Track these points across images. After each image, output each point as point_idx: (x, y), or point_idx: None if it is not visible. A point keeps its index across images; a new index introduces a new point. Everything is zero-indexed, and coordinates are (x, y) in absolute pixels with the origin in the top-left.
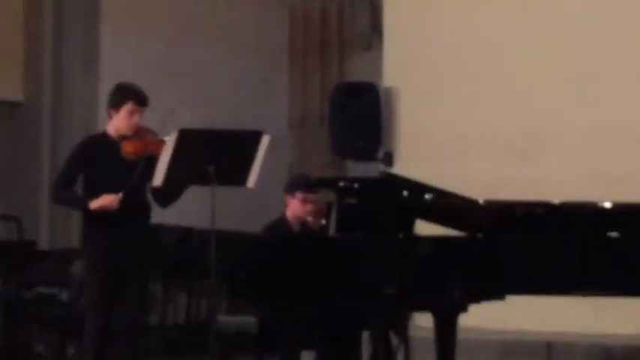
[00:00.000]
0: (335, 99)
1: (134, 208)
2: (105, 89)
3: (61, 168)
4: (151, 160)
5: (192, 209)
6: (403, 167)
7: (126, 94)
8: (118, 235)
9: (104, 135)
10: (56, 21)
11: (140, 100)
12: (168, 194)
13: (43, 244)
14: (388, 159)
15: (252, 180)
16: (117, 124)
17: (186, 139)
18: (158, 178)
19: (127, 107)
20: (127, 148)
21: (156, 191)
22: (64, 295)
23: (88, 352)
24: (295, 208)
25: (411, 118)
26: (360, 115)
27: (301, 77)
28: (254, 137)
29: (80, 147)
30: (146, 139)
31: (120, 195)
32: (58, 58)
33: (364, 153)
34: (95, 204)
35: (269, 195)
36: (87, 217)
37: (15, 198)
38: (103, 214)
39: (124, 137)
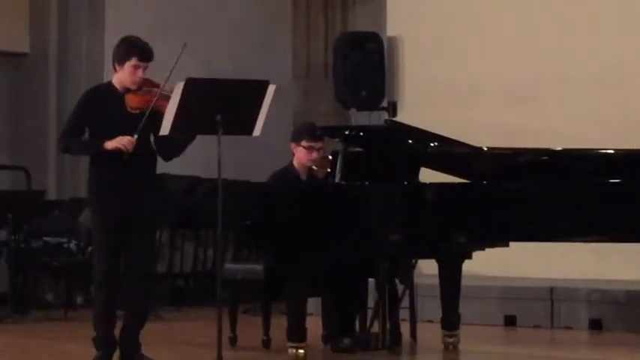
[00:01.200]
0: (339, 49)
1: (140, 157)
2: (110, 39)
3: (67, 119)
4: (156, 115)
5: (198, 159)
6: (407, 116)
7: (130, 49)
8: (124, 181)
9: (109, 86)
10: None
11: (145, 55)
12: (172, 148)
13: (51, 194)
14: (392, 108)
15: (257, 129)
16: (121, 77)
17: (193, 88)
18: (165, 127)
19: (132, 62)
20: (131, 103)
21: (160, 143)
22: (72, 245)
23: (97, 298)
24: (301, 156)
25: (414, 67)
26: (363, 65)
27: (305, 27)
28: (260, 87)
29: (86, 96)
30: (151, 94)
31: (135, 137)
32: (63, 8)
33: (368, 102)
34: (112, 144)
35: (273, 145)
36: (94, 164)
37: (23, 149)
38: (110, 161)
39: (128, 90)
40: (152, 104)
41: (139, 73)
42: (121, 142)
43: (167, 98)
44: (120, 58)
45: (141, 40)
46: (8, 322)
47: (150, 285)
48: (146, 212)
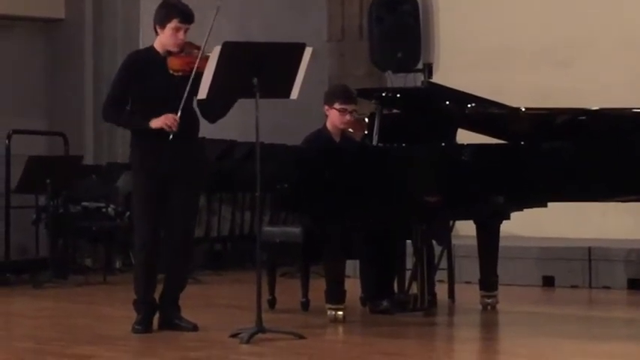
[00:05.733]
0: (373, 11)
1: (183, 122)
2: (145, 3)
3: (111, 85)
4: (199, 77)
5: (234, 123)
6: (442, 77)
7: (171, 11)
8: (167, 145)
9: (151, 50)
10: None
11: (185, 17)
12: (215, 109)
13: (88, 159)
14: (427, 69)
15: (295, 92)
16: (163, 40)
17: (230, 51)
18: (203, 91)
19: (172, 24)
20: (173, 65)
21: (203, 106)
22: (110, 209)
23: (138, 262)
24: (334, 118)
25: (449, 28)
26: (398, 27)
27: None
28: (297, 49)
29: (128, 61)
30: (192, 55)
31: (178, 115)
32: None
33: (403, 64)
34: (156, 123)
35: (308, 108)
36: (136, 130)
37: (60, 114)
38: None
39: (170, 53)
40: (195, 66)
41: (180, 35)
42: (165, 122)
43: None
44: (161, 20)
45: (181, 2)
46: (48, 286)
47: (189, 248)
48: (187, 176)
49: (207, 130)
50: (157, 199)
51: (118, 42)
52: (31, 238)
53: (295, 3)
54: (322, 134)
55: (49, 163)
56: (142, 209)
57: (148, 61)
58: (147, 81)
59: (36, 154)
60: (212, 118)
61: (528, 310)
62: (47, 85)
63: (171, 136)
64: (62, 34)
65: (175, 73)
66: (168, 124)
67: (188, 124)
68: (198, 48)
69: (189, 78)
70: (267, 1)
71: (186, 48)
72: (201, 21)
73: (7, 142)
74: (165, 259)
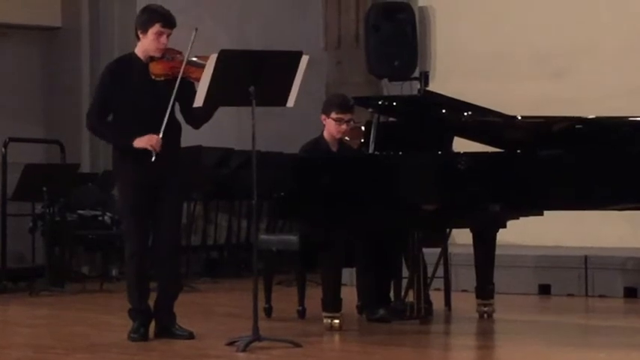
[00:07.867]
0: (370, 19)
1: (165, 128)
2: None
3: (93, 95)
4: (182, 82)
5: (231, 131)
6: (438, 86)
7: (153, 16)
8: (149, 154)
9: (132, 56)
10: None
11: (168, 21)
12: (201, 115)
13: (85, 167)
14: (424, 78)
15: (291, 100)
16: (145, 45)
17: (227, 59)
18: (199, 99)
19: (155, 29)
20: (156, 70)
21: (187, 112)
22: (107, 217)
23: (129, 270)
24: (330, 128)
25: (446, 36)
26: (395, 35)
27: None
28: (294, 57)
29: (108, 70)
30: (175, 60)
31: (160, 135)
32: None
33: (400, 72)
34: (140, 143)
35: (305, 116)
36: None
37: (57, 122)
38: (132, 134)
39: (152, 59)
40: (181, 72)
41: (163, 39)
42: (149, 143)
43: (194, 64)
44: (143, 25)
45: (163, 7)
46: (45, 294)
47: (177, 255)
48: (173, 183)
49: (204, 138)
50: (144, 208)
51: (114, 50)
52: (28, 246)
53: (292, 10)
54: (320, 143)
55: (46, 171)
56: (130, 219)
57: (129, 67)
58: (129, 87)
59: (33, 161)
60: (197, 124)
61: (524, 318)
62: (44, 93)
63: (153, 157)
64: (59, 42)
65: (157, 79)
66: (152, 144)
67: (170, 131)
68: (180, 53)
69: (172, 83)
70: (265, 8)
71: (168, 53)
72: (198, 32)
73: (3, 149)
74: (156, 267)
